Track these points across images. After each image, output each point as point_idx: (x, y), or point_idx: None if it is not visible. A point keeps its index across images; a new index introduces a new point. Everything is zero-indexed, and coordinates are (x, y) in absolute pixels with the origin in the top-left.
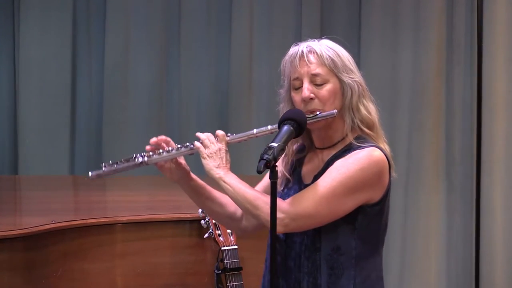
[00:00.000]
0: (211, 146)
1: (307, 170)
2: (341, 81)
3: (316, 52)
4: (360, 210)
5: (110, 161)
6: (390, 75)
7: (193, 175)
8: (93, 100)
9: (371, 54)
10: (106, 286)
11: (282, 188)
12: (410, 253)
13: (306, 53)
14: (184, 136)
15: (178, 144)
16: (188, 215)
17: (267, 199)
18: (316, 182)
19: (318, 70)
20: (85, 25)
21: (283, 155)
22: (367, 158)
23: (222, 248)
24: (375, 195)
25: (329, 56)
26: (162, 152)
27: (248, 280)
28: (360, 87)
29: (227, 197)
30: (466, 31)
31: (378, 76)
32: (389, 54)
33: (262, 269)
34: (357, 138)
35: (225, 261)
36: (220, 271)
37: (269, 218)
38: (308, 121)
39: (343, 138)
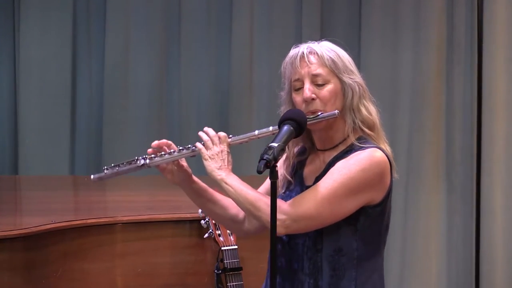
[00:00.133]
0: (213, 148)
1: (308, 171)
2: (342, 81)
3: (317, 53)
4: (361, 211)
5: (112, 164)
6: (390, 75)
7: (195, 178)
8: (93, 100)
9: (371, 54)
10: (106, 286)
11: (283, 190)
12: (410, 253)
13: (306, 54)
14: (185, 136)
15: (179, 146)
16: (188, 215)
17: (269, 200)
18: (317, 183)
19: (319, 70)
20: (85, 25)
21: (284, 157)
22: (368, 159)
23: (222, 248)
24: (376, 196)
25: (330, 57)
26: (164, 155)
27: (248, 280)
28: (361, 87)
29: (229, 199)
30: (466, 31)
31: (378, 76)
32: (389, 54)
33: (262, 269)
34: (358, 139)
35: (225, 261)
36: (220, 271)
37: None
38: (309, 122)
39: (345, 139)
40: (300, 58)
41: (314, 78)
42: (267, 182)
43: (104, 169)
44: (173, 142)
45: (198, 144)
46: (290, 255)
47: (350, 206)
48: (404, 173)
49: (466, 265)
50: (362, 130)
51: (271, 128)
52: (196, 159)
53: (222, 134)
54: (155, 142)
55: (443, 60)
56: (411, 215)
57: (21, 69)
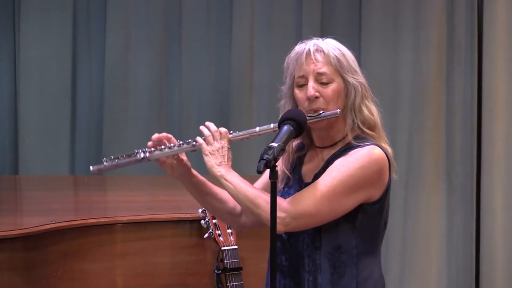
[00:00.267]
0: (214, 144)
1: (307, 169)
2: (345, 81)
3: (323, 51)
4: (360, 208)
5: (112, 156)
6: (390, 76)
7: (194, 171)
8: (93, 100)
9: (372, 55)
10: (106, 286)
11: (282, 186)
12: (410, 253)
13: (313, 52)
14: (185, 136)
15: (180, 140)
16: (188, 215)
17: (268, 198)
18: (316, 181)
19: (324, 69)
20: (85, 25)
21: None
22: (367, 157)
23: (222, 248)
24: (375, 193)
25: (336, 56)
26: (164, 148)
27: (248, 280)
28: (363, 87)
29: (226, 193)
30: (466, 31)
31: (378, 77)
32: (389, 55)
33: (262, 269)
34: (356, 138)
35: (225, 261)
36: (220, 271)
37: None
38: (311, 120)
39: (343, 138)
40: (306, 55)
41: (318, 77)
42: (264, 176)
43: (104, 160)
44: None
45: (199, 139)
46: (290, 253)
47: (349, 203)
48: (404, 173)
49: (466, 265)
50: (361, 130)
51: (272, 125)
52: (197, 155)
53: (223, 129)
54: (155, 135)
55: (443, 60)
56: (411, 215)
57: (21, 69)
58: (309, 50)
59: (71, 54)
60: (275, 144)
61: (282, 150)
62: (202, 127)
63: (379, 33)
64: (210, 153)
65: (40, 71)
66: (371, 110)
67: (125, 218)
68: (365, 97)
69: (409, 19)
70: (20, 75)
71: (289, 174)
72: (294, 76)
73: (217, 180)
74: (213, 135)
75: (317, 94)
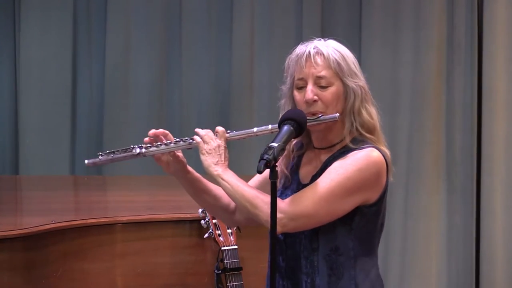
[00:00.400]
0: (210, 142)
1: (305, 170)
2: (345, 85)
3: (323, 54)
4: (357, 210)
5: (107, 150)
6: (390, 76)
7: (189, 168)
8: (93, 100)
9: (372, 55)
10: (106, 286)
11: (280, 186)
12: (410, 253)
13: (313, 54)
14: (185, 136)
15: (176, 138)
16: (188, 215)
17: (265, 198)
18: (314, 182)
19: (323, 72)
20: (85, 25)
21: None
22: (365, 159)
23: (222, 248)
24: (372, 196)
25: (336, 59)
26: (160, 145)
27: (248, 280)
28: (363, 91)
29: (221, 189)
30: (466, 31)
31: (378, 77)
32: (389, 55)
33: (262, 269)
34: (354, 140)
35: (225, 261)
36: (220, 271)
37: (267, 218)
38: (309, 123)
39: (341, 140)
40: (306, 57)
41: (318, 80)
42: (260, 175)
43: (99, 155)
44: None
45: (197, 138)
46: (287, 254)
47: (347, 205)
48: (404, 173)
49: (466, 265)
50: (360, 133)
51: (270, 126)
52: (195, 156)
53: (220, 128)
54: (152, 131)
55: (443, 60)
56: (411, 215)
57: (21, 69)
58: (309, 52)
59: (71, 54)
60: (275, 144)
61: (282, 150)
62: (197, 129)
63: (379, 33)
64: (207, 152)
65: (41, 71)
66: (371, 114)
67: (125, 218)
68: (365, 100)
69: (409, 19)
70: (20, 75)
71: (288, 174)
72: (294, 78)
73: (214, 180)
74: (208, 135)
75: (315, 97)
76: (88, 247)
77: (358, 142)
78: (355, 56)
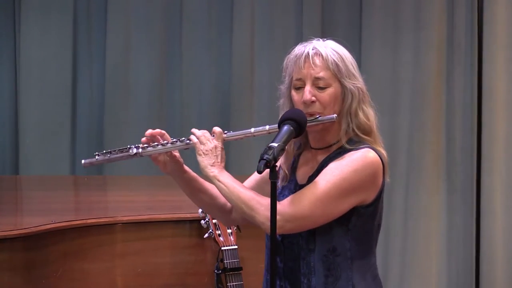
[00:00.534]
0: (207, 143)
1: (302, 170)
2: (343, 86)
3: (322, 55)
4: (354, 211)
5: (104, 150)
6: (390, 76)
7: (186, 167)
8: (94, 101)
9: (372, 55)
10: (106, 286)
11: (279, 185)
12: (410, 253)
13: (311, 55)
14: (186, 136)
15: (173, 138)
16: (188, 215)
17: (261, 199)
18: (311, 184)
19: (321, 73)
20: (85, 26)
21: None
22: (361, 160)
23: (222, 248)
24: (369, 196)
25: (334, 60)
26: (157, 145)
27: (248, 280)
28: (361, 92)
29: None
30: (466, 31)
31: (378, 77)
32: (389, 55)
33: (262, 269)
34: (350, 141)
35: (225, 261)
36: (220, 271)
37: (263, 220)
38: (307, 124)
39: (338, 141)
40: (304, 58)
41: (316, 81)
42: (255, 174)
43: (96, 155)
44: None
45: (193, 138)
46: (286, 255)
47: (343, 206)
48: (404, 173)
49: (466, 265)
50: (356, 134)
51: (267, 127)
52: (192, 156)
53: (217, 129)
54: (149, 131)
55: (443, 61)
56: (411, 215)
57: (21, 70)
58: (308, 53)
59: (72, 54)
60: (275, 144)
61: (282, 150)
62: (194, 129)
63: (380, 34)
64: (203, 153)
65: (41, 71)
66: (368, 115)
67: (125, 218)
68: (362, 101)
69: (409, 20)
70: (20, 76)
71: (286, 172)
72: (292, 78)
73: (210, 181)
74: (205, 135)
75: (313, 98)
76: (88, 247)
77: (355, 142)
78: (354, 57)
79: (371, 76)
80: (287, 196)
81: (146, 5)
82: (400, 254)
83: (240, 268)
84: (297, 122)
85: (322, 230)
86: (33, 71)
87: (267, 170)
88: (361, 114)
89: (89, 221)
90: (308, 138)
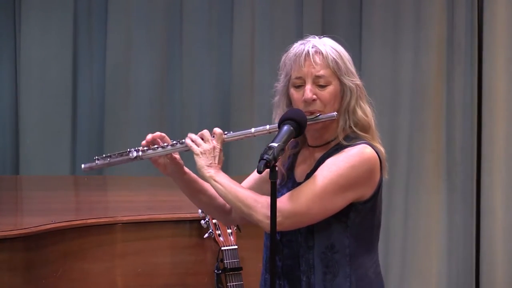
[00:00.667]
0: (205, 144)
1: (300, 169)
2: (342, 83)
3: (322, 53)
4: (352, 207)
5: (104, 155)
6: (390, 75)
7: (186, 169)
8: (94, 100)
9: (372, 54)
10: (106, 286)
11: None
12: (410, 252)
13: (312, 54)
14: (185, 137)
15: (173, 140)
16: (188, 215)
17: (258, 197)
18: (307, 180)
19: (322, 72)
20: (86, 25)
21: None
22: (358, 156)
23: (222, 248)
24: (366, 192)
25: (334, 58)
26: (157, 148)
27: (248, 280)
28: (359, 89)
29: None
30: (466, 31)
31: (379, 76)
32: (389, 54)
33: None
34: (347, 137)
35: (225, 261)
36: (220, 271)
37: (261, 218)
38: (308, 122)
39: (335, 138)
40: (305, 56)
41: (316, 79)
42: (254, 173)
43: (95, 159)
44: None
45: (188, 141)
46: (284, 253)
47: (340, 202)
48: (404, 173)
49: (466, 265)
50: (353, 131)
51: (268, 126)
52: (191, 156)
53: (218, 130)
54: (149, 136)
55: (443, 60)
56: (412, 215)
57: (22, 69)
58: (308, 51)
59: (72, 54)
60: (275, 144)
61: (282, 150)
62: (190, 134)
63: (380, 33)
64: (201, 153)
65: (41, 71)
66: (365, 112)
67: (125, 218)
68: (360, 98)
69: (410, 19)
70: (21, 75)
71: (284, 172)
72: (290, 76)
73: (206, 181)
74: (204, 135)
75: (314, 97)
76: (88, 247)
77: (352, 139)
78: (353, 56)
79: (371, 76)
80: None
81: (147, 5)
82: (400, 254)
83: (240, 268)
84: (297, 122)
85: (320, 227)
86: (34, 71)
87: (266, 170)
88: (359, 111)
89: (89, 221)
90: (305, 137)
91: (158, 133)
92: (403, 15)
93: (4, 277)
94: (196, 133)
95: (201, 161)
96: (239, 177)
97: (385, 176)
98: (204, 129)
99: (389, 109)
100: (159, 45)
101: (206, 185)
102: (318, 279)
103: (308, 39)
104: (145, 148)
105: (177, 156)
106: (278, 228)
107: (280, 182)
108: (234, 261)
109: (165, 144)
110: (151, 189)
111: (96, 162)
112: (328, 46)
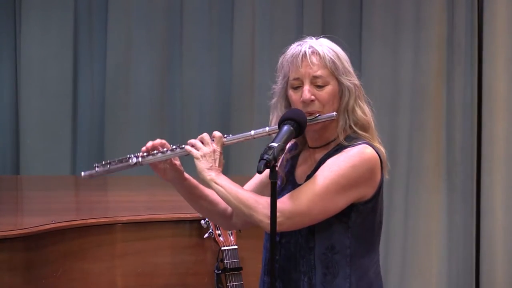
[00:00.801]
0: (205, 148)
1: (300, 170)
2: (340, 83)
3: (319, 54)
4: (353, 208)
5: (103, 162)
6: (391, 75)
7: (187, 175)
8: (95, 100)
9: (372, 54)
10: (106, 286)
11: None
12: (410, 252)
13: (309, 54)
14: (186, 136)
15: (173, 145)
16: (188, 215)
17: (259, 198)
18: (308, 180)
19: (319, 72)
20: (86, 25)
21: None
22: (358, 156)
23: (222, 248)
24: (367, 192)
25: (331, 58)
26: (157, 153)
27: (248, 280)
28: (357, 88)
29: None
30: (466, 31)
31: (379, 76)
32: (390, 54)
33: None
34: (347, 138)
35: (225, 261)
36: (220, 271)
37: (262, 218)
38: (308, 123)
39: (335, 139)
40: (302, 57)
41: (314, 80)
42: (256, 177)
43: (95, 166)
44: (175, 142)
45: (187, 147)
46: (281, 254)
47: (341, 202)
48: (404, 173)
49: (466, 265)
50: (353, 130)
51: (267, 128)
52: (192, 162)
53: (217, 134)
54: (149, 143)
55: (443, 60)
56: (412, 215)
57: (22, 69)
58: (305, 52)
59: (72, 54)
60: (275, 144)
61: (282, 150)
62: (190, 140)
63: (380, 33)
64: (201, 156)
65: (41, 71)
66: (364, 111)
67: (125, 218)
68: (358, 97)
69: (410, 19)
70: (21, 75)
71: (282, 175)
72: (288, 78)
73: (207, 184)
74: (204, 138)
75: (312, 97)
76: (88, 247)
77: (352, 139)
78: (353, 57)
79: (371, 75)
80: None
81: (147, 5)
82: (400, 254)
83: (240, 268)
84: (297, 122)
85: (321, 228)
86: (34, 71)
87: (267, 174)
88: (358, 110)
89: (89, 221)
90: (305, 138)
91: (158, 141)
92: (403, 15)
93: (4, 277)
94: (196, 134)
95: (202, 165)
96: (239, 178)
97: (386, 176)
98: (204, 128)
99: (389, 109)
100: (159, 45)
101: (207, 191)
102: (318, 280)
103: (304, 40)
104: (145, 154)
105: (177, 162)
106: (279, 228)
107: (280, 184)
108: (234, 261)
109: (165, 149)
110: (151, 189)
111: (96, 169)
112: (325, 46)
